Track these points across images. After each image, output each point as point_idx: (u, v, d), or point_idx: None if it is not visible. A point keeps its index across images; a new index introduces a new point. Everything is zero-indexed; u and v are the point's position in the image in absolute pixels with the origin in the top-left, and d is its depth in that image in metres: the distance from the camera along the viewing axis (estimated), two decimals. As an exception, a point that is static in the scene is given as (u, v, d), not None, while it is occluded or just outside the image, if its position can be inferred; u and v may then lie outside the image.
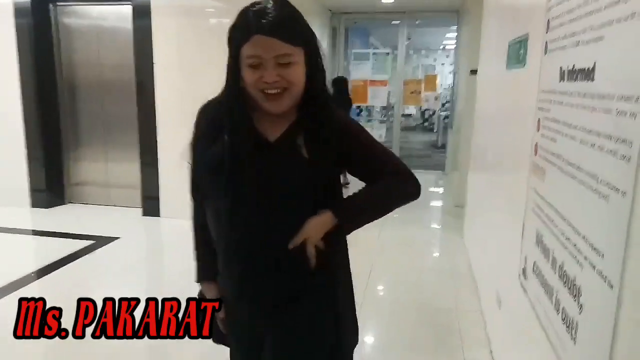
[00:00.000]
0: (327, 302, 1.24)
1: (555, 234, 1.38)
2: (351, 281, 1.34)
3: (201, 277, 1.38)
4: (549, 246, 1.44)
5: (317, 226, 1.14)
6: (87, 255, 3.71)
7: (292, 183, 1.13)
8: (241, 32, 1.09)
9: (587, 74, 1.19)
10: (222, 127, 1.16)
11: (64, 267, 3.48)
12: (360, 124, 1.28)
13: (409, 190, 1.24)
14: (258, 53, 1.06)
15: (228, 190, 1.13)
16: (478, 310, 2.87)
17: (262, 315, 1.24)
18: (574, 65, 1.30)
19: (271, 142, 1.16)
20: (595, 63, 1.14)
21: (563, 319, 1.26)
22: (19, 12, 4.72)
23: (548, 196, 1.50)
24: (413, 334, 2.67)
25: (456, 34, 7.61)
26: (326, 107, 1.19)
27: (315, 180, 1.15)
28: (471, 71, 4.95)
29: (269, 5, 1.08)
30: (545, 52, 1.64)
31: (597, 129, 1.10)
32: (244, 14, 1.10)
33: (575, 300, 1.17)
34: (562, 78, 1.42)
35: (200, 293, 1.41)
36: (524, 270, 1.76)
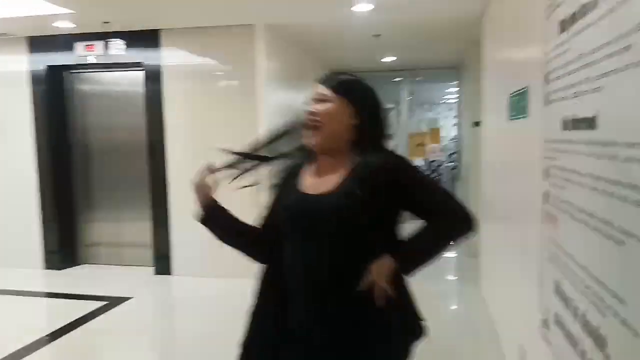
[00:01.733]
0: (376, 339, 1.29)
1: (574, 283, 1.36)
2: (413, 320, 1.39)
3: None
4: (568, 295, 1.42)
5: (380, 270, 1.24)
6: (100, 317, 3.66)
7: (352, 223, 1.25)
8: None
9: (590, 122, 1.22)
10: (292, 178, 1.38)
11: (77, 329, 3.43)
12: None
13: (465, 228, 1.31)
14: (312, 95, 1.34)
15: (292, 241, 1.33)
16: (500, 364, 2.77)
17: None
18: (576, 115, 1.34)
19: (330, 189, 1.29)
20: (596, 112, 1.18)
21: (590, 371, 1.22)
22: (35, 79, 4.93)
23: (563, 244, 1.49)
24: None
25: (457, 88, 7.82)
26: (379, 151, 1.32)
27: (374, 222, 1.26)
28: (474, 123, 5.05)
29: (338, 72, 1.40)
30: (546, 104, 1.69)
31: (605, 176, 1.12)
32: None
33: (601, 352, 1.14)
34: (565, 127, 1.45)
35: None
36: (545, 322, 1.72)
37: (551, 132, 1.62)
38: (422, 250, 1.31)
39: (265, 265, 1.41)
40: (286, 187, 1.39)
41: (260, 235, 1.42)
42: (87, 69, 5.07)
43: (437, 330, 3.41)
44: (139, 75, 4.82)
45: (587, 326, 1.25)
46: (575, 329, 1.35)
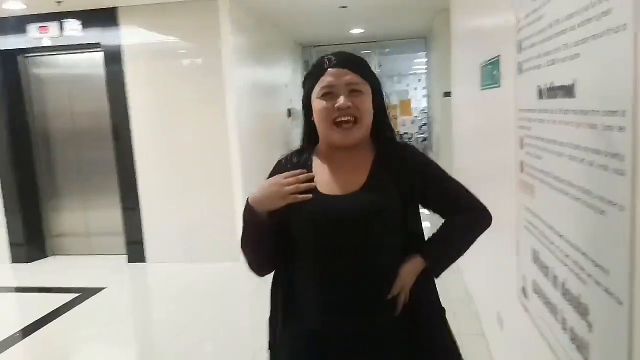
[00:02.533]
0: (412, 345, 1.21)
1: (552, 252, 1.37)
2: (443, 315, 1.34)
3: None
4: (547, 263, 1.43)
5: (411, 273, 1.18)
6: (73, 309, 3.57)
7: (389, 226, 1.17)
8: (316, 69, 1.20)
9: (567, 90, 1.20)
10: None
11: (49, 323, 3.34)
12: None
13: (485, 223, 1.29)
14: (332, 82, 1.16)
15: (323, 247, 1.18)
16: (479, 332, 2.83)
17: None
18: (552, 83, 1.32)
19: (360, 187, 1.17)
20: (574, 79, 1.16)
21: (572, 339, 1.23)
22: (-13, 65, 4.66)
23: (540, 213, 1.50)
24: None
25: (426, 58, 7.81)
26: (393, 140, 1.27)
27: (408, 221, 1.19)
28: (444, 93, 5.05)
29: (340, 52, 1.23)
30: (520, 72, 1.67)
31: (584, 145, 1.11)
32: (318, 59, 1.23)
33: (583, 319, 1.15)
34: (540, 96, 1.44)
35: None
36: (523, 289, 1.74)
37: (525, 101, 1.60)
38: (452, 249, 1.27)
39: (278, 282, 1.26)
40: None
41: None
42: (42, 52, 4.81)
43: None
44: (98, 57, 4.60)
45: (567, 294, 1.26)
46: (555, 297, 1.36)
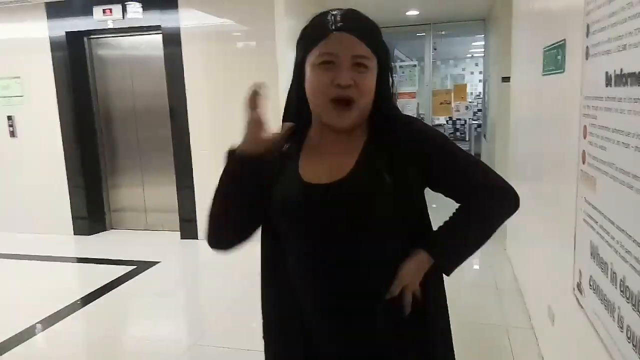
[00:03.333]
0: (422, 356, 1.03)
1: (612, 246, 1.31)
2: (449, 327, 1.12)
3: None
4: (606, 259, 1.37)
5: (414, 270, 0.98)
6: (129, 281, 3.77)
7: (379, 216, 0.96)
8: (317, 30, 0.97)
9: (638, 78, 1.13)
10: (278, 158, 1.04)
11: (107, 294, 3.54)
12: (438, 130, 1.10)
13: (509, 206, 1.05)
14: (335, 50, 0.94)
15: (304, 236, 1.01)
16: (529, 326, 2.76)
17: None
18: (621, 70, 1.25)
19: (346, 173, 0.98)
20: (647, 67, 1.09)
21: (629, 337, 1.18)
22: (55, 45, 4.91)
23: (601, 206, 1.43)
24: (463, 353, 2.58)
25: (484, 42, 7.51)
26: (398, 119, 1.03)
27: (405, 209, 0.98)
28: (503, 78, 4.86)
29: (350, 10, 0.99)
30: (587, 57, 1.58)
31: (655, 136, 1.04)
32: (321, 15, 0.99)
33: (642, 318, 1.10)
34: (608, 83, 1.36)
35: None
36: (578, 285, 1.68)
37: (592, 88, 1.52)
38: (465, 240, 1.04)
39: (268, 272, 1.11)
40: (284, 171, 1.04)
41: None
42: (105, 34, 5.01)
43: (461, 290, 3.44)
44: (158, 39, 4.75)
45: (626, 292, 1.21)
46: (613, 294, 1.30)
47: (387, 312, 0.98)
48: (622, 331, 1.23)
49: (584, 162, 1.60)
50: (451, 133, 12.69)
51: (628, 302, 1.19)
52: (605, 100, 1.37)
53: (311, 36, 0.98)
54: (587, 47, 1.58)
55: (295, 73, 1.05)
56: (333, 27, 0.95)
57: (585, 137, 1.59)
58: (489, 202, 1.03)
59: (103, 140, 5.28)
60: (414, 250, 1.00)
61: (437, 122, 11.74)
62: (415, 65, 8.45)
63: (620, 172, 1.25)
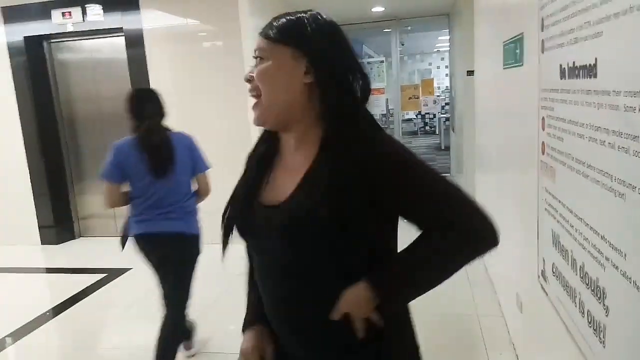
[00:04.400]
0: None
1: (572, 235, 1.35)
2: (414, 347, 1.04)
3: (244, 326, 1.12)
4: (566, 247, 1.41)
5: (353, 300, 0.88)
6: (100, 290, 3.69)
7: (313, 249, 0.88)
8: None
9: (589, 70, 1.17)
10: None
11: (77, 303, 3.46)
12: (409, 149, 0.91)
13: (481, 248, 0.91)
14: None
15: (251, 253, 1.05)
16: (499, 314, 2.82)
17: None
18: (574, 62, 1.29)
19: (288, 195, 0.91)
20: (596, 59, 1.12)
21: (589, 322, 1.22)
22: (13, 51, 4.77)
23: (560, 196, 1.47)
24: (437, 342, 2.63)
25: (449, 36, 7.63)
26: (360, 138, 0.89)
27: (344, 242, 0.87)
28: (467, 72, 4.94)
29: (280, 15, 0.95)
30: (543, 51, 1.63)
31: (605, 126, 1.08)
32: None
33: (600, 303, 1.14)
34: (562, 76, 1.40)
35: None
36: (542, 272, 1.72)
37: (548, 81, 1.56)
38: (414, 278, 0.92)
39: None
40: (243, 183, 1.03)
41: None
42: (66, 37, 4.88)
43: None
44: (120, 41, 4.65)
45: (585, 278, 1.25)
46: (574, 280, 1.35)
47: (338, 330, 0.91)
48: (583, 316, 1.27)
49: (543, 153, 1.64)
50: (421, 127, 12.87)
51: (587, 288, 1.23)
52: (561, 92, 1.41)
53: None
54: (542, 40, 1.62)
55: None
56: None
57: (543, 129, 1.63)
58: (457, 244, 0.89)
59: (68, 147, 5.15)
60: (360, 281, 0.89)
61: (407, 116, 11.89)
62: (382, 61, 8.53)
63: (577, 162, 1.29)
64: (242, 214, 0.98)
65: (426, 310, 3.04)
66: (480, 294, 3.15)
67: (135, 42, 4.53)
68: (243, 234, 0.99)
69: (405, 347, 1.00)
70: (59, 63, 5.03)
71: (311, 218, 0.86)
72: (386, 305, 0.90)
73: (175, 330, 2.36)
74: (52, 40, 4.94)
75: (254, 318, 1.07)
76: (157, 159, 2.26)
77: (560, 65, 1.40)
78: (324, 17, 0.95)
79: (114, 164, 2.31)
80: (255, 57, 0.94)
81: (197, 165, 2.39)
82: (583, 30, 1.20)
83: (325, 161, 0.89)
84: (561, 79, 1.40)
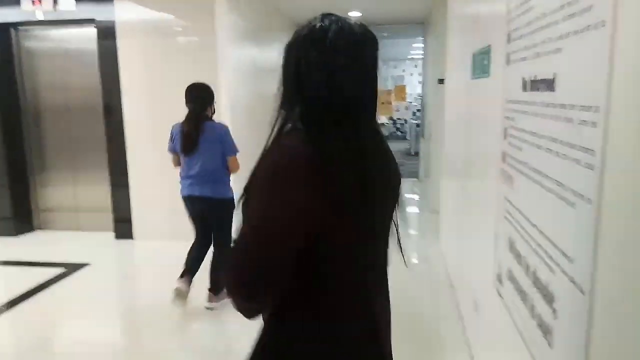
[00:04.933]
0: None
1: (526, 240, 1.41)
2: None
3: None
4: (521, 252, 1.47)
5: None
6: (57, 284, 3.59)
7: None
8: None
9: (549, 84, 1.22)
10: None
11: (33, 297, 3.36)
12: (283, 168, 0.86)
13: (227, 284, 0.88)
14: None
15: None
16: (457, 315, 2.90)
17: None
18: (535, 76, 1.34)
19: None
20: (555, 74, 1.18)
21: (539, 325, 1.28)
22: (-22, 36, 4.60)
23: (517, 203, 1.53)
24: (396, 342, 2.67)
25: (423, 44, 7.77)
26: (276, 139, 0.94)
27: None
28: (439, 80, 5.05)
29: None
30: (508, 63, 1.69)
31: (560, 138, 1.13)
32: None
33: (549, 306, 1.19)
34: (524, 88, 1.46)
35: None
36: (499, 276, 1.79)
37: (511, 93, 1.62)
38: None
39: None
40: None
41: None
42: (34, 25, 4.73)
43: (396, 283, 3.54)
44: (92, 32, 4.54)
45: (537, 282, 1.30)
46: (526, 284, 1.40)
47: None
48: (533, 318, 1.33)
49: (504, 162, 1.71)
50: (393, 132, 13.04)
51: (538, 292, 1.29)
52: (522, 104, 1.47)
53: None
54: (508, 53, 1.68)
55: None
56: None
57: (505, 138, 1.69)
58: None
59: (31, 137, 4.99)
60: None
61: (379, 121, 12.02)
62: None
63: (533, 171, 1.34)
64: None
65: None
66: (441, 296, 3.22)
67: (107, 34, 4.43)
68: None
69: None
70: (26, 51, 4.87)
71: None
72: None
73: (223, 257, 3.06)
74: (19, 28, 4.78)
75: None
76: (185, 140, 2.95)
77: (523, 78, 1.46)
78: (333, 27, 0.93)
79: (170, 137, 3.09)
80: None
81: (226, 149, 2.98)
82: (545, 45, 1.26)
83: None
84: (523, 91, 1.46)
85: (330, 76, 0.90)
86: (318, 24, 0.94)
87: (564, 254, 1.09)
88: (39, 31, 4.83)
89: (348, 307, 0.97)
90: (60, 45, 4.83)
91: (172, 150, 3.09)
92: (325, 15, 0.95)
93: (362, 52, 0.96)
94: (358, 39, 0.95)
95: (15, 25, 4.73)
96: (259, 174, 0.89)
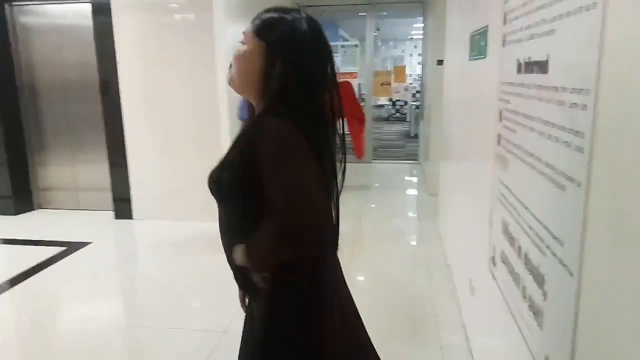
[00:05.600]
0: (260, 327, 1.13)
1: (519, 223, 1.41)
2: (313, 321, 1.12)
3: None
4: (514, 235, 1.48)
5: (238, 255, 1.08)
6: (58, 263, 3.62)
7: (211, 185, 1.12)
8: None
9: (542, 66, 1.22)
10: None
11: (34, 276, 3.39)
12: (289, 140, 1.02)
13: (292, 241, 0.97)
14: None
15: None
16: (453, 297, 2.93)
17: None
18: (530, 58, 1.33)
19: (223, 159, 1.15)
20: (548, 56, 1.17)
21: (530, 306, 1.29)
22: (-29, 12, 4.54)
23: (511, 186, 1.53)
24: (390, 323, 2.71)
25: (423, 24, 7.68)
26: (264, 114, 1.09)
27: (227, 185, 1.08)
28: (438, 61, 5.01)
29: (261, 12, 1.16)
30: (503, 44, 1.67)
31: (552, 121, 1.13)
32: None
33: (540, 288, 1.21)
34: (519, 70, 1.45)
35: None
36: (493, 259, 1.80)
37: (506, 75, 1.61)
38: (259, 245, 1.04)
39: None
40: None
41: None
42: (29, 1, 4.67)
43: (394, 265, 3.59)
44: (87, 8, 4.48)
45: (528, 264, 1.32)
46: (519, 266, 1.42)
47: (246, 277, 1.12)
48: (525, 300, 1.35)
49: (498, 144, 1.70)
50: (392, 114, 12.98)
51: (530, 274, 1.30)
52: (516, 86, 1.46)
53: None
54: (504, 34, 1.67)
55: None
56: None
57: (500, 121, 1.69)
58: (275, 233, 0.99)
59: (28, 115, 4.97)
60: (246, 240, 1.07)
61: (378, 102, 11.96)
62: (356, 45, 8.51)
63: (527, 154, 1.34)
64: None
65: (383, 291, 3.15)
66: (438, 279, 3.25)
67: (102, 9, 4.37)
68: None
69: (288, 306, 1.11)
70: (21, 27, 4.82)
71: (219, 181, 1.10)
72: (252, 265, 1.07)
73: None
74: (14, 3, 4.72)
75: None
76: (251, 109, 3.49)
77: (518, 60, 1.45)
78: (305, 24, 1.12)
79: (238, 107, 3.57)
80: (240, 41, 1.14)
81: None
82: (539, 27, 1.24)
83: (243, 133, 1.11)
84: (518, 73, 1.45)
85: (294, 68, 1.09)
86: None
87: (554, 237, 1.10)
88: (33, 6, 4.77)
89: (331, 258, 1.21)
90: (56, 21, 4.77)
91: (241, 118, 3.51)
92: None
93: (314, 45, 1.13)
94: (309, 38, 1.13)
95: (10, 0, 4.66)
96: (265, 150, 1.01)
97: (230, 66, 1.17)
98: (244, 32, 1.14)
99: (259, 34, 1.11)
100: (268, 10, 1.14)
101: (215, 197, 1.12)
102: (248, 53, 1.11)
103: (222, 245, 1.17)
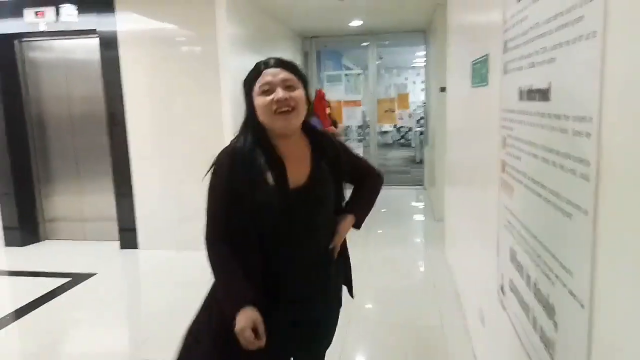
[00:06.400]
0: (344, 275, 1.71)
1: (527, 251, 1.39)
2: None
3: (241, 303, 1.35)
4: (522, 263, 1.46)
5: (347, 228, 1.56)
6: (63, 294, 3.60)
7: (330, 199, 1.50)
8: (254, 73, 1.43)
9: (544, 94, 1.22)
10: (258, 170, 1.39)
11: (39, 307, 3.37)
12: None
13: (381, 181, 1.71)
14: (268, 80, 1.38)
15: (283, 223, 1.41)
16: (463, 327, 2.87)
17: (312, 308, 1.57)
18: (531, 86, 1.34)
19: (306, 178, 1.44)
20: (549, 84, 1.17)
21: (541, 337, 1.26)
22: (-18, 49, 4.66)
23: (517, 213, 1.52)
24: (400, 353, 2.65)
25: (425, 52, 7.77)
26: (318, 131, 1.55)
27: (335, 195, 1.53)
28: (440, 88, 5.05)
29: (276, 57, 1.46)
30: (504, 72, 1.68)
31: (556, 148, 1.12)
32: (256, 65, 1.44)
33: (550, 319, 1.18)
34: (521, 97, 1.45)
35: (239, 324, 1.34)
36: (502, 287, 1.77)
37: (508, 102, 1.61)
38: (368, 204, 1.66)
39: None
40: (253, 180, 1.38)
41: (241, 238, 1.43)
42: (38, 37, 4.79)
43: (403, 293, 3.53)
44: (94, 42, 4.59)
45: (537, 294, 1.29)
46: (528, 296, 1.39)
47: (329, 257, 1.54)
48: (535, 331, 1.31)
49: (503, 171, 1.69)
50: (397, 140, 13.02)
51: (539, 304, 1.27)
52: (518, 113, 1.46)
53: (251, 78, 1.43)
54: (505, 62, 1.68)
55: (247, 104, 1.45)
56: (264, 67, 1.41)
57: (504, 147, 1.68)
58: (373, 183, 1.68)
59: (36, 147, 5.03)
60: (343, 215, 1.56)
61: (383, 129, 12.02)
62: (360, 74, 8.61)
63: (531, 181, 1.33)
64: (284, 198, 1.39)
65: (392, 320, 3.09)
66: (447, 307, 3.19)
67: (109, 44, 4.47)
68: (297, 218, 1.41)
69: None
70: (29, 62, 4.93)
71: (327, 186, 1.48)
72: (360, 223, 1.62)
73: None
74: (23, 39, 4.84)
75: (248, 297, 1.35)
76: None
77: (519, 88, 1.45)
78: None
79: None
80: (287, 86, 1.39)
81: None
82: (539, 55, 1.25)
83: (319, 150, 1.50)
84: (520, 100, 1.45)
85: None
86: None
87: (563, 266, 1.08)
88: (42, 42, 4.88)
89: None
90: (63, 55, 4.88)
91: None
92: None
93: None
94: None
95: (19, 36, 4.78)
96: (340, 147, 1.61)
97: (284, 111, 1.37)
98: (285, 79, 1.39)
99: (299, 77, 1.43)
100: (280, 58, 1.48)
101: (321, 206, 1.47)
102: (302, 95, 1.41)
103: (313, 247, 1.49)
